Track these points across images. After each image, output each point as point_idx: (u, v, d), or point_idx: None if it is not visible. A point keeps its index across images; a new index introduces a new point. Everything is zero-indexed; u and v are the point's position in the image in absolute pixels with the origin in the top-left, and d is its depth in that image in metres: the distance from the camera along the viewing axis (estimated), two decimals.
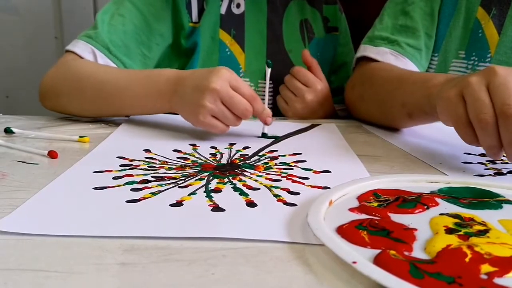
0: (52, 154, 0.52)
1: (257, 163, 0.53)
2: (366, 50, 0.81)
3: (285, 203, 0.40)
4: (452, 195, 0.41)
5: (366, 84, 0.78)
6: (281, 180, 0.46)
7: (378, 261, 0.28)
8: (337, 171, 0.50)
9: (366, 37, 0.84)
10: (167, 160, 0.53)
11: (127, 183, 0.44)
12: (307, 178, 0.47)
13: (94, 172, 0.47)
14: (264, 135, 0.65)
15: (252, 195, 0.42)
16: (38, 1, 1.43)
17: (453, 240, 0.31)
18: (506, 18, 0.77)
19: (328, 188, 0.44)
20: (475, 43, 0.79)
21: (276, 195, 0.42)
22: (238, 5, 0.85)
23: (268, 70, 0.66)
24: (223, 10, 0.84)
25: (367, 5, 0.98)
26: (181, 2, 0.81)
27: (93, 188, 0.42)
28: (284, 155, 0.56)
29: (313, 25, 0.93)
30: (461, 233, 0.33)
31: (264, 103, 0.63)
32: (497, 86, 0.47)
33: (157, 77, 0.65)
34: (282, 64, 0.87)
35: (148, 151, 0.56)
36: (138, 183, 0.44)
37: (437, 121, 0.61)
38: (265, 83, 0.67)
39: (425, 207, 0.38)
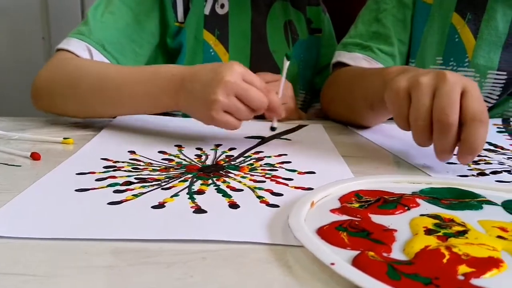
0: (34, 156, 0.52)
1: (242, 164, 0.53)
2: (340, 56, 0.83)
3: (268, 205, 0.40)
4: (434, 195, 0.41)
5: (334, 87, 0.80)
6: (265, 181, 0.46)
7: (356, 262, 0.29)
8: (321, 172, 0.50)
9: (340, 43, 0.86)
10: (152, 161, 0.53)
11: (110, 185, 0.44)
12: (291, 179, 0.47)
13: (77, 174, 0.47)
14: (273, 129, 0.64)
15: (235, 196, 0.42)
16: (25, 2, 1.42)
17: (431, 241, 0.31)
18: (481, 22, 0.78)
19: (312, 189, 0.44)
20: (452, 48, 0.80)
21: (259, 197, 0.42)
22: (222, 6, 0.85)
23: (287, 63, 0.64)
24: (207, 10, 0.84)
25: (355, 5, 0.98)
26: (168, 0, 0.80)
27: (75, 190, 0.42)
28: (270, 156, 0.56)
29: (297, 26, 0.93)
30: (440, 234, 0.33)
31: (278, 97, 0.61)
32: (442, 93, 0.48)
33: (164, 73, 0.61)
34: (266, 65, 0.87)
35: (133, 152, 0.56)
36: (121, 185, 0.44)
37: None
38: None
39: (406, 208, 0.38)
